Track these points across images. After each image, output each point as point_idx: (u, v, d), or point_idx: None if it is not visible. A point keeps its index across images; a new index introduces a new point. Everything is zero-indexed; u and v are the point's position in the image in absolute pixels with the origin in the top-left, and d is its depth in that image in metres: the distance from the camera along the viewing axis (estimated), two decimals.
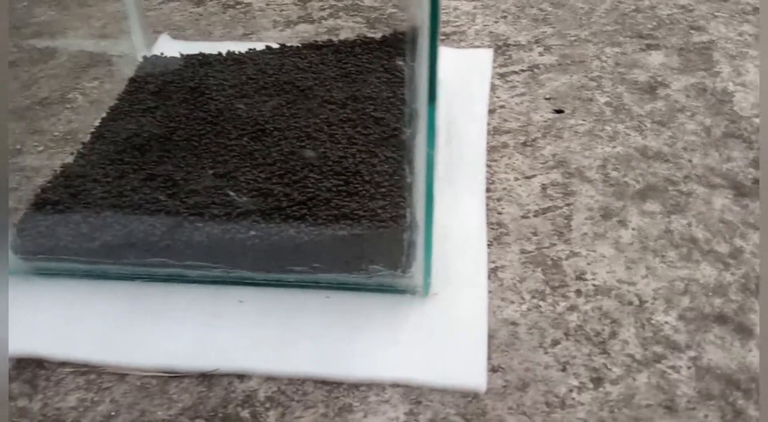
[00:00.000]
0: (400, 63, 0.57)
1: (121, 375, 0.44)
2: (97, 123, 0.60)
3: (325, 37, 0.73)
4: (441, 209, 0.50)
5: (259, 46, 0.68)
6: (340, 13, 0.80)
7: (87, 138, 0.58)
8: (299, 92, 0.59)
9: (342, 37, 0.76)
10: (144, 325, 0.46)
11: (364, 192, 0.48)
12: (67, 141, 0.63)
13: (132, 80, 0.65)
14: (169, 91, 0.61)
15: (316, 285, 0.47)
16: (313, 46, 0.65)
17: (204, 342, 0.44)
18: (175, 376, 0.43)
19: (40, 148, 0.62)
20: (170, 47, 0.72)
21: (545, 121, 0.63)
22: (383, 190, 0.48)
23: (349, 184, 0.49)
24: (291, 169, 0.50)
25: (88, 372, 0.44)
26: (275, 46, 0.67)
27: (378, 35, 0.66)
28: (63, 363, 0.44)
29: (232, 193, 0.47)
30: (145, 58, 0.68)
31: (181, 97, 0.60)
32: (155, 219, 0.48)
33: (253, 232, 0.46)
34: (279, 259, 0.47)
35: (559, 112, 0.64)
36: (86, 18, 0.79)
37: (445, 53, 0.72)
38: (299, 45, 0.66)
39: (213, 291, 0.48)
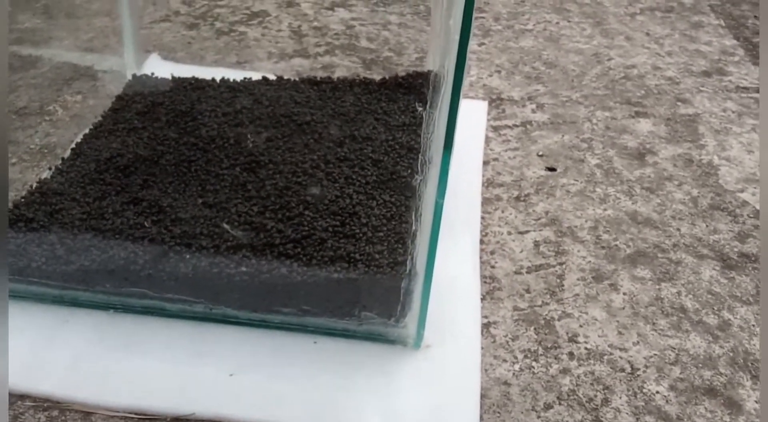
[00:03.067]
0: (419, 108, 0.56)
1: (86, 413, 0.40)
2: (78, 139, 0.57)
3: (321, 74, 0.72)
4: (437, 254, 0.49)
5: (255, 75, 0.67)
6: (336, 51, 0.79)
7: (66, 153, 0.55)
8: (296, 126, 0.57)
9: (337, 74, 0.75)
10: (115, 360, 0.43)
11: (362, 235, 0.46)
12: (43, 155, 0.60)
13: (119, 98, 0.62)
14: (158, 113, 0.59)
15: (303, 329, 0.45)
16: (311, 81, 0.63)
17: (180, 383, 0.42)
18: (146, 418, 0.40)
19: (14, 160, 0.59)
20: (160, 68, 0.70)
21: (538, 178, 0.63)
22: (381, 234, 0.46)
23: (345, 225, 0.47)
24: (285, 204, 0.48)
25: (50, 407, 0.41)
26: (272, 77, 0.65)
27: (376, 77, 0.65)
28: (23, 396, 0.41)
29: (226, 225, 0.45)
30: (134, 76, 0.66)
31: (170, 120, 0.58)
32: (137, 247, 0.45)
33: (243, 268, 0.43)
34: (267, 298, 0.45)
35: (552, 170, 0.64)
36: (74, 30, 0.76)
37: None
38: (297, 79, 0.65)
39: (192, 327, 0.45)
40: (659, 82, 0.81)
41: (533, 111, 0.72)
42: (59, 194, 0.50)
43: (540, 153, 0.66)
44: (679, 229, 0.59)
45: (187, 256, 0.44)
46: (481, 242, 0.55)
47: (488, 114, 0.70)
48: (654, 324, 0.50)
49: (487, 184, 0.61)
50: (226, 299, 0.45)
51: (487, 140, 0.67)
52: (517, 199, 0.60)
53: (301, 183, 0.50)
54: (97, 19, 0.76)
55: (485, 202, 0.59)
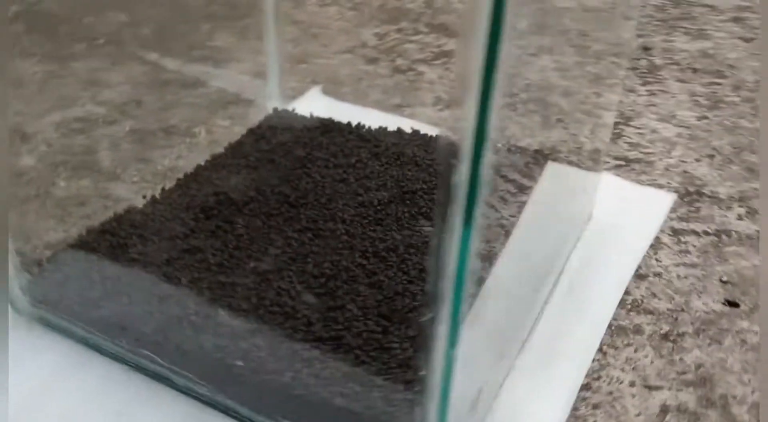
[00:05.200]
0: (428, 228, 0.44)
1: None
2: (191, 169, 0.55)
3: None
4: (517, 390, 0.39)
5: (404, 123, 0.60)
6: (518, 105, 0.69)
7: (172, 183, 0.53)
8: (400, 193, 0.49)
9: (510, 134, 0.64)
10: None
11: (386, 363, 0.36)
12: (165, 178, 0.58)
13: (250, 131, 0.59)
14: (274, 154, 0.55)
15: None
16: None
17: None
18: None
19: (135, 178, 0.58)
20: (314, 103, 0.66)
21: (708, 313, 0.47)
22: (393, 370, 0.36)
23: (386, 333, 0.38)
24: (333, 290, 0.41)
25: None
26: (408, 130, 0.58)
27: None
28: None
29: (222, 311, 0.38)
30: (275, 109, 0.62)
31: (280, 164, 0.53)
32: (157, 305, 0.41)
33: (239, 362, 0.36)
34: (267, 402, 0.37)
35: (733, 305, 0.47)
36: (255, 53, 0.76)
37: (613, 183, 0.58)
38: (434, 134, 0.57)
39: (197, 409, 0.39)
40: None
41: (739, 217, 0.55)
42: (133, 227, 0.48)
43: (725, 278, 0.49)
44: None
45: (194, 332, 0.39)
46: (587, 388, 0.41)
47: (672, 211, 0.55)
48: None
49: (631, 306, 0.47)
50: (228, 389, 0.38)
51: (656, 246, 0.52)
52: (665, 337, 0.45)
53: (365, 268, 0.42)
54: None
55: (616, 331, 0.45)
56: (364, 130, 0.58)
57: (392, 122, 0.60)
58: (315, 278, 0.42)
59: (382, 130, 0.58)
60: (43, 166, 0.59)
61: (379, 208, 0.47)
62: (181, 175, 0.54)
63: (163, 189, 0.52)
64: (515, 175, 0.55)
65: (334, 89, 0.71)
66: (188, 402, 0.40)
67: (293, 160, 0.53)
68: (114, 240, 0.46)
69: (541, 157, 0.56)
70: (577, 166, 0.53)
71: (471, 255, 0.26)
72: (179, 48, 0.78)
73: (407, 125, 0.59)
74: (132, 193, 0.56)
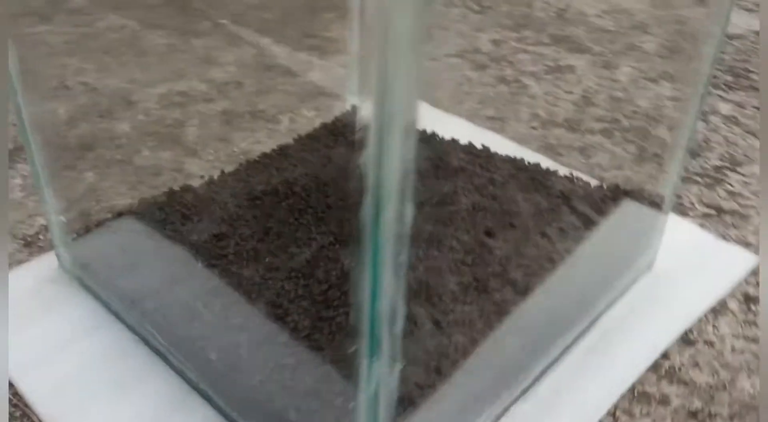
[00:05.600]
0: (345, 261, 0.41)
1: None
2: (257, 156, 0.56)
3: (575, 154, 0.59)
4: None
5: (486, 137, 0.58)
6: (616, 133, 0.64)
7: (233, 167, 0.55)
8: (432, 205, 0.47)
9: (596, 162, 0.60)
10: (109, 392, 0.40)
11: None
12: (236, 160, 0.60)
13: (323, 126, 0.60)
14: (334, 153, 0.55)
15: None
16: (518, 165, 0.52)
17: None
18: None
19: (210, 157, 0.61)
20: None
21: (752, 397, 0.41)
22: None
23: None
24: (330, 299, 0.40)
25: None
26: (479, 146, 0.55)
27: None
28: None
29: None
30: (353, 106, 0.62)
31: (335, 165, 0.53)
32: (168, 284, 0.42)
33: (213, 356, 0.37)
34: (235, 399, 0.37)
35: None
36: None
37: (692, 233, 0.52)
38: (509, 157, 0.54)
39: (186, 393, 0.40)
40: None
41: None
42: (180, 205, 0.50)
43: None
44: None
45: (190, 317, 0.40)
46: None
47: (752, 275, 0.49)
48: None
49: (665, 373, 0.42)
50: (208, 378, 0.39)
51: (719, 311, 0.46)
52: (693, 415, 0.40)
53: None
54: None
55: (638, 397, 0.41)
56: (437, 139, 0.56)
57: (474, 134, 0.57)
58: (318, 283, 0.41)
59: (454, 143, 0.56)
60: (135, 134, 0.63)
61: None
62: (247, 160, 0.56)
63: (222, 172, 0.54)
64: (585, 207, 0.52)
65: (428, 93, 0.69)
66: (180, 384, 0.41)
67: (348, 162, 0.53)
68: (158, 214, 0.49)
69: (619, 193, 0.52)
70: (648, 206, 0.49)
71: (384, 294, 0.24)
72: (294, 35, 0.81)
73: (490, 140, 0.56)
74: (203, 170, 0.59)
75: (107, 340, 0.43)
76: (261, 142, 0.63)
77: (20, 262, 0.49)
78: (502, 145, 0.56)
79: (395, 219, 0.23)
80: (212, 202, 0.50)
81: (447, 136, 0.57)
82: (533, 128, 0.65)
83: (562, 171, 0.53)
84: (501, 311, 0.40)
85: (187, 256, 0.44)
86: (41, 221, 0.52)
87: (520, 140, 0.62)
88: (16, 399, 0.40)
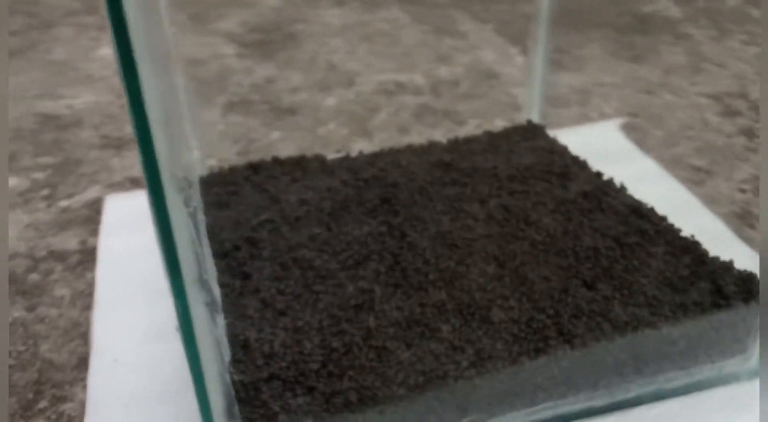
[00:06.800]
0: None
1: None
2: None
3: None
4: None
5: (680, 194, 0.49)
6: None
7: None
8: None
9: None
10: None
11: None
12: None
13: (485, 133, 0.57)
14: (455, 168, 0.51)
15: None
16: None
17: None
18: None
19: (377, 141, 0.62)
20: (590, 133, 0.59)
21: None
22: None
23: None
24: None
25: None
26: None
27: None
28: None
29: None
30: (528, 122, 0.57)
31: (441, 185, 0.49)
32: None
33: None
34: None
35: None
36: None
37: None
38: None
39: None
40: None
41: None
42: (266, 175, 0.50)
43: None
44: None
45: None
46: None
47: None
48: None
49: None
50: None
51: None
52: None
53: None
54: None
55: None
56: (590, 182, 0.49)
57: (655, 188, 0.48)
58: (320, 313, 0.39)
59: (619, 192, 0.46)
60: (333, 110, 0.68)
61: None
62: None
63: (361, 152, 0.55)
64: None
65: (637, 125, 0.61)
66: None
67: (456, 185, 0.49)
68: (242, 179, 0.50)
69: None
70: None
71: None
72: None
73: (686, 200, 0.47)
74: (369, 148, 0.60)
75: None
76: (433, 138, 0.62)
77: None
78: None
79: None
80: (291, 182, 0.49)
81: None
82: (742, 193, 0.53)
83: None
84: None
85: (227, 235, 0.44)
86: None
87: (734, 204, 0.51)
88: None
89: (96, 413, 0.35)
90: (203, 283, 0.26)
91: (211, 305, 0.26)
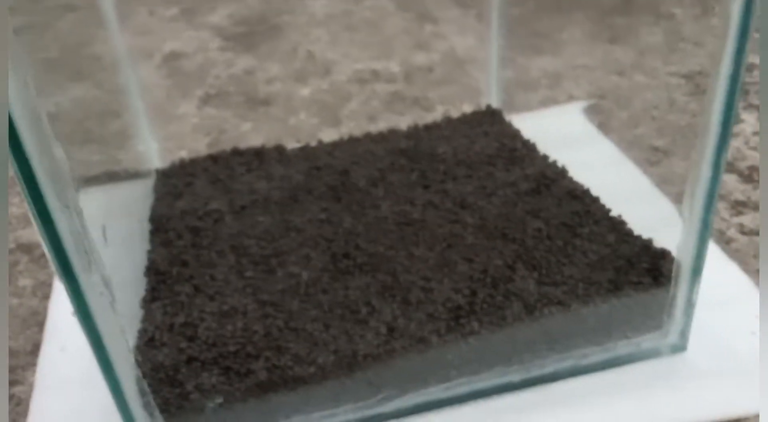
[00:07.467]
0: None
1: None
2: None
3: None
4: None
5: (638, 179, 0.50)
6: None
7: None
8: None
9: None
10: None
11: None
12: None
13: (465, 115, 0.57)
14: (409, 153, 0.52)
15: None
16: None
17: None
18: None
19: (352, 123, 0.63)
20: (547, 119, 0.60)
21: None
22: None
23: None
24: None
25: None
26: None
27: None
28: None
29: None
30: (488, 106, 0.58)
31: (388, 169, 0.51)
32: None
33: None
34: None
35: None
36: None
37: None
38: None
39: None
40: None
41: None
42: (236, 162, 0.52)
43: None
44: None
45: None
46: None
47: None
48: None
49: None
50: None
51: None
52: None
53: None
54: None
55: None
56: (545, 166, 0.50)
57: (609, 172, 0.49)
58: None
59: (560, 175, 0.47)
60: (306, 100, 0.69)
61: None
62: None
63: (320, 141, 0.56)
64: None
65: (602, 107, 0.61)
66: None
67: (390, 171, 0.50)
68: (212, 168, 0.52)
69: None
70: None
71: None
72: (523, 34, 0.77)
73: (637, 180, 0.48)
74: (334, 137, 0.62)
75: None
76: (399, 125, 0.63)
77: None
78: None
79: None
80: (258, 167, 0.51)
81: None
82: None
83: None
84: None
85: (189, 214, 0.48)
86: None
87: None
88: None
89: (41, 395, 0.38)
90: (96, 273, 0.27)
91: (106, 294, 0.27)
